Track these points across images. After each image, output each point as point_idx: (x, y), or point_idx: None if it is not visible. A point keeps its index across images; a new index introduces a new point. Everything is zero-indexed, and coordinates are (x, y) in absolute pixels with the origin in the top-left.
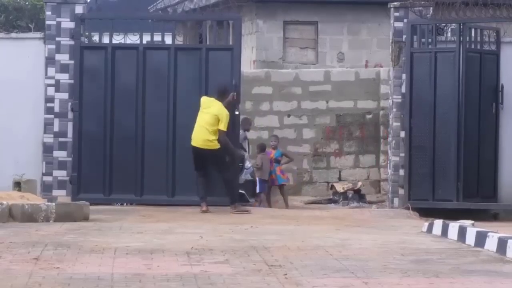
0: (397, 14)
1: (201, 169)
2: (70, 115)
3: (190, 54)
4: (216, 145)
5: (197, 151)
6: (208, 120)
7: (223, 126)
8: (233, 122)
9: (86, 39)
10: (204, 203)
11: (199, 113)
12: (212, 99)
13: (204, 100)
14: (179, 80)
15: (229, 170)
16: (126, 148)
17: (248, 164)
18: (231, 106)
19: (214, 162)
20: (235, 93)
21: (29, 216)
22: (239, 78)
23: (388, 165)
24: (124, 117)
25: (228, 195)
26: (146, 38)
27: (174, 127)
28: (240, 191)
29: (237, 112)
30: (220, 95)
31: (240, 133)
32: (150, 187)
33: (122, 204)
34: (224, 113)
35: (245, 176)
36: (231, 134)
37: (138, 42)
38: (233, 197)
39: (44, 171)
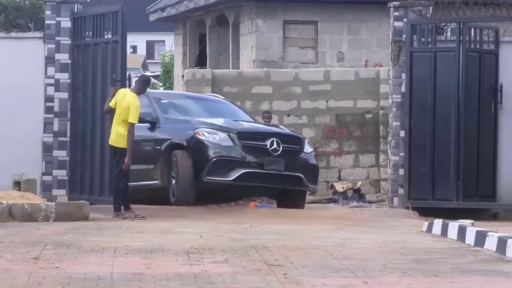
0: (396, 13)
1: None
2: (70, 114)
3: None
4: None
5: (111, 149)
6: (121, 112)
7: (131, 118)
8: None
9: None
10: (120, 212)
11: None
12: (128, 90)
13: (120, 92)
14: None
15: (124, 177)
16: (89, 149)
17: (309, 148)
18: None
19: (118, 161)
20: (115, 87)
21: (28, 215)
22: (124, 72)
23: (388, 164)
24: (91, 117)
25: (113, 200)
26: (147, 37)
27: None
28: (298, 174)
29: None
30: (140, 87)
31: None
32: (98, 187)
33: None
34: (134, 104)
35: (311, 160)
36: None
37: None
38: (118, 204)
39: (43, 171)
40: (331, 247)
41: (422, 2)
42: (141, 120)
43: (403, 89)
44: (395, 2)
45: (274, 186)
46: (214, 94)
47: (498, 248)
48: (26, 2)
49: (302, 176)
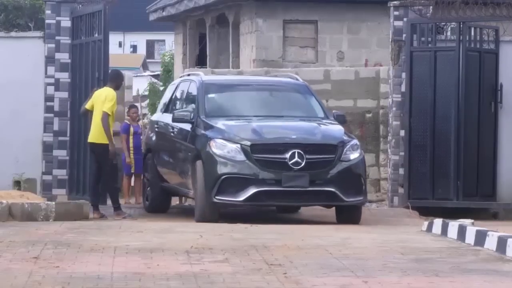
0: (396, 13)
1: (95, 168)
2: (69, 114)
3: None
4: (106, 140)
5: (91, 147)
6: (100, 110)
7: (106, 108)
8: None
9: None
10: (97, 211)
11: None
12: (104, 88)
13: (95, 93)
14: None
15: (109, 171)
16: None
17: (352, 154)
18: None
19: (99, 158)
20: (96, 88)
21: (28, 215)
22: (107, 71)
23: (388, 164)
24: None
25: (111, 200)
26: (147, 36)
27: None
28: (328, 188)
29: None
30: (111, 81)
31: None
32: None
33: None
34: (110, 94)
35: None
36: None
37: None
38: (116, 202)
39: (43, 170)
40: (331, 247)
41: (422, 1)
42: (182, 120)
43: (403, 88)
44: (395, 2)
45: (296, 205)
46: (290, 75)
47: (498, 247)
48: (26, 2)
49: (334, 190)
